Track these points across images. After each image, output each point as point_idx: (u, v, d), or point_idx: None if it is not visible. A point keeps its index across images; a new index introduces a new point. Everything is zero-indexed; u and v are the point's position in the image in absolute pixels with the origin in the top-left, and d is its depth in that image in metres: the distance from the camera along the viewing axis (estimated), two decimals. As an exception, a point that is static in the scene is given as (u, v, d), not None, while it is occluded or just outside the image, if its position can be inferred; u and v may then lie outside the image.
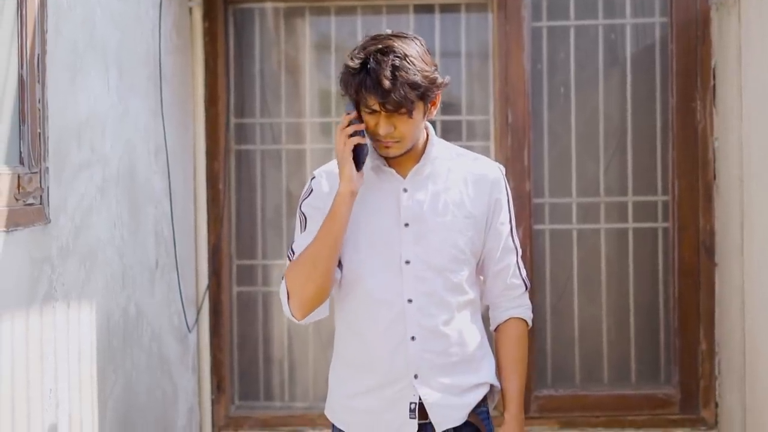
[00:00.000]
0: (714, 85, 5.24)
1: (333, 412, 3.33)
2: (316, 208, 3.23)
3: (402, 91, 3.00)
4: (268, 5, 5.61)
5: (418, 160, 3.21)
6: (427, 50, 3.14)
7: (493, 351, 3.37)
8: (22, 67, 3.36)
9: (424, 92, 3.05)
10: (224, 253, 5.51)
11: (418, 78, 3.02)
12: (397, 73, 3.01)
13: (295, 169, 5.62)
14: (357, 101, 3.09)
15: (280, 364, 5.65)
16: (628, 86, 5.47)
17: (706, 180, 5.27)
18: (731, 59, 4.89)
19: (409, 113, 3.04)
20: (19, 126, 3.35)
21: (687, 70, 5.31)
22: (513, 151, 5.32)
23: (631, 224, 5.47)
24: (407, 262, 3.15)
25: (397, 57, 3.03)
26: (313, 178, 3.30)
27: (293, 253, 3.21)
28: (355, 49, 3.11)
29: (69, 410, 3.65)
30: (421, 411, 3.17)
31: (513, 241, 3.32)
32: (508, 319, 3.34)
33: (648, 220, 5.46)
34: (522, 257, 3.36)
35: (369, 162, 3.20)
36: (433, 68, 3.10)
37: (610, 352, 5.48)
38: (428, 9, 5.57)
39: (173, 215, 4.96)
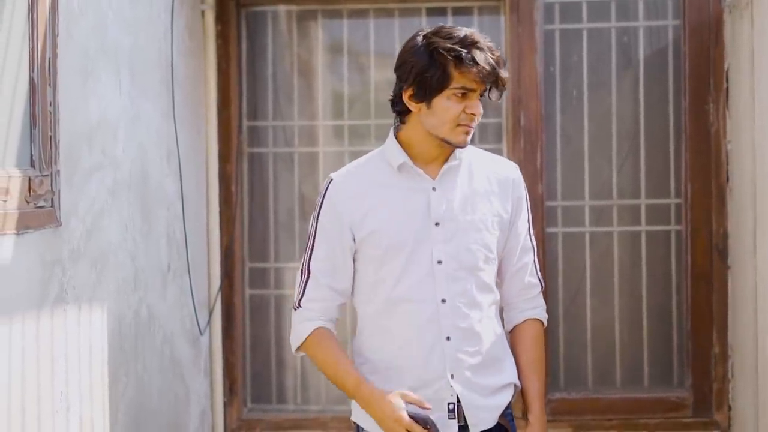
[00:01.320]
0: (727, 88, 5.23)
1: (366, 418, 3.18)
2: (325, 228, 3.19)
3: (504, 69, 3.07)
4: (281, 8, 5.61)
5: (445, 160, 3.17)
6: None
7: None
8: (33, 71, 3.36)
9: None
10: (237, 256, 5.52)
11: (503, 60, 3.09)
12: (502, 62, 3.08)
13: (307, 171, 5.63)
14: (443, 84, 3.04)
15: (293, 367, 5.65)
16: (640, 89, 5.46)
17: (719, 183, 5.26)
18: (744, 62, 4.88)
19: (500, 94, 3.10)
20: (30, 129, 3.35)
21: (700, 72, 5.30)
22: (525, 153, 5.32)
23: (643, 227, 5.46)
24: (439, 262, 3.12)
25: (485, 39, 3.08)
26: (330, 182, 3.23)
27: (308, 272, 3.19)
28: (424, 39, 3.08)
29: (80, 413, 3.66)
30: (456, 412, 3.14)
31: (531, 239, 3.31)
32: (525, 320, 3.31)
33: (661, 223, 5.45)
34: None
35: (395, 160, 3.17)
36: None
37: (623, 355, 5.47)
38: (441, 12, 5.58)
39: (185, 218, 4.96)
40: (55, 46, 3.47)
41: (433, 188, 3.16)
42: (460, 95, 3.05)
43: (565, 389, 5.44)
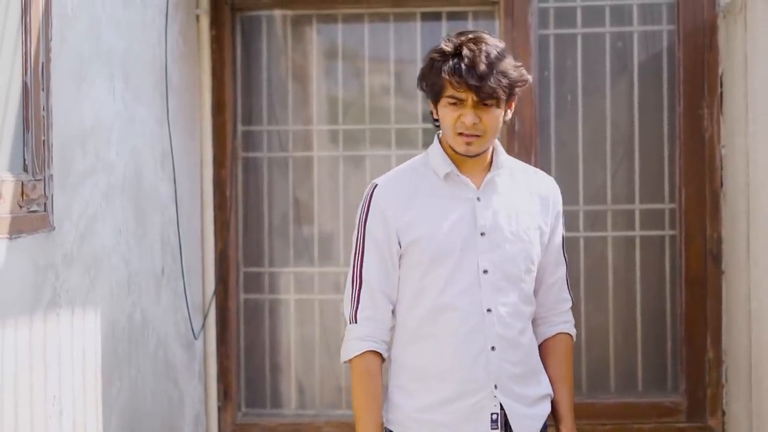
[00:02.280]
0: (721, 93, 5.23)
1: (404, 428, 3.19)
2: (373, 234, 3.20)
3: (497, 78, 3.02)
4: (276, 13, 5.62)
5: (487, 169, 3.19)
6: None
7: None
8: (26, 75, 3.37)
9: (513, 85, 3.07)
10: (231, 260, 5.52)
11: (510, 69, 3.06)
12: (491, 60, 3.03)
13: (302, 176, 5.63)
14: (439, 92, 3.09)
15: (287, 371, 5.65)
16: (635, 94, 5.47)
17: (713, 188, 5.26)
18: (738, 67, 4.89)
19: (498, 104, 3.06)
20: (23, 133, 3.36)
21: (694, 77, 5.30)
22: (520, 158, 5.21)
23: (638, 232, 5.46)
24: (485, 272, 3.12)
25: (490, 46, 3.06)
26: (375, 187, 3.25)
27: (360, 280, 3.19)
28: (441, 43, 3.13)
29: (73, 417, 3.66)
30: (498, 423, 3.14)
31: (564, 254, 3.35)
32: (556, 334, 3.33)
33: (655, 228, 5.45)
34: None
35: (441, 169, 3.18)
36: (520, 64, 3.13)
37: (617, 360, 5.47)
38: (435, 16, 5.58)
39: (179, 222, 4.96)
40: (48, 50, 3.47)
41: (478, 198, 3.16)
42: (453, 104, 3.07)
43: (560, 394, 5.43)
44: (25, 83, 3.36)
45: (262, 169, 5.64)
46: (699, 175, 5.29)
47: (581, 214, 5.45)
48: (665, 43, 5.46)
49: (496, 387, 3.12)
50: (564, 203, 5.34)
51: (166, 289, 4.80)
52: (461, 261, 3.13)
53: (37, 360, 3.38)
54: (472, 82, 3.00)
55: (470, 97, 3.03)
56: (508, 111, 3.15)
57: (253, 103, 5.63)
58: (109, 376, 4.03)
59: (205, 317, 5.41)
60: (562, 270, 3.33)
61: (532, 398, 3.19)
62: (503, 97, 3.05)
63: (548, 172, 5.34)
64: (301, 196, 5.62)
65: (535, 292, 3.28)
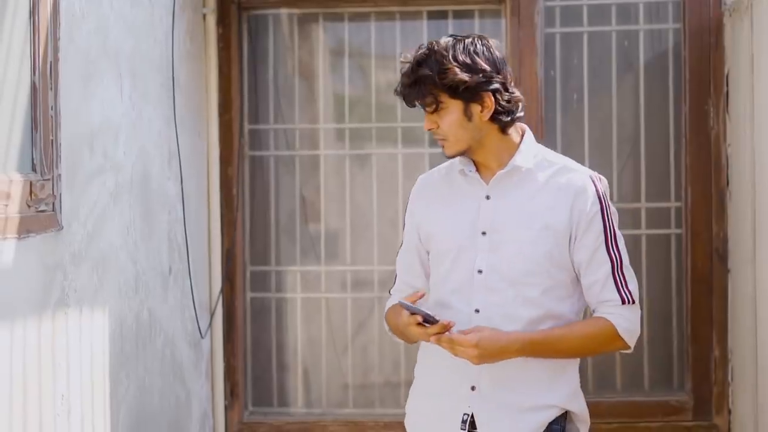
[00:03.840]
0: (727, 91, 5.23)
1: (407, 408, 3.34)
2: (406, 226, 3.35)
3: (417, 86, 3.03)
4: (283, 11, 5.62)
5: (503, 167, 3.14)
6: (492, 56, 3.08)
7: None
8: (34, 74, 3.37)
9: (442, 87, 3.01)
10: (238, 259, 5.52)
11: (431, 72, 3.01)
12: (416, 68, 3.03)
13: (309, 175, 5.63)
14: None
15: (294, 370, 5.66)
16: (641, 92, 5.47)
17: (719, 186, 5.26)
18: (744, 65, 4.89)
19: (435, 108, 3.05)
20: (32, 133, 3.36)
21: (700, 76, 5.30)
22: (526, 157, 5.31)
23: (644, 230, 5.46)
24: (480, 272, 3.09)
25: (424, 54, 3.05)
26: (416, 183, 3.37)
27: (396, 271, 3.38)
28: None
29: (81, 416, 3.67)
30: (474, 425, 3.10)
31: (609, 252, 3.09)
32: (593, 315, 3.15)
33: (661, 227, 5.46)
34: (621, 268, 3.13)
35: (458, 165, 3.19)
36: (468, 69, 3.03)
37: (623, 359, 5.46)
38: (442, 15, 5.58)
39: (186, 221, 4.97)
40: (56, 49, 3.48)
41: (487, 196, 3.14)
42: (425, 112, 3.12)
43: (566, 392, 5.43)
44: (34, 83, 3.37)
45: (268, 167, 5.65)
46: (705, 173, 5.29)
47: (587, 213, 5.44)
48: (671, 42, 5.46)
49: (473, 389, 3.09)
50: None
51: (173, 288, 4.81)
52: (458, 260, 3.13)
53: (46, 359, 3.39)
54: (401, 94, 3.09)
55: (421, 105, 3.09)
56: (484, 110, 3.06)
57: (260, 101, 5.64)
58: (116, 375, 4.04)
59: (211, 316, 5.41)
60: (602, 271, 3.09)
61: (520, 406, 3.08)
62: (442, 100, 3.03)
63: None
64: (307, 195, 5.63)
65: (585, 294, 3.15)
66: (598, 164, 5.46)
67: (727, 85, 5.23)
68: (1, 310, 3.11)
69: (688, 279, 5.33)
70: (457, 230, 3.15)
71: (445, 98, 3.03)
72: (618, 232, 3.14)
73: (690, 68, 5.31)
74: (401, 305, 3.01)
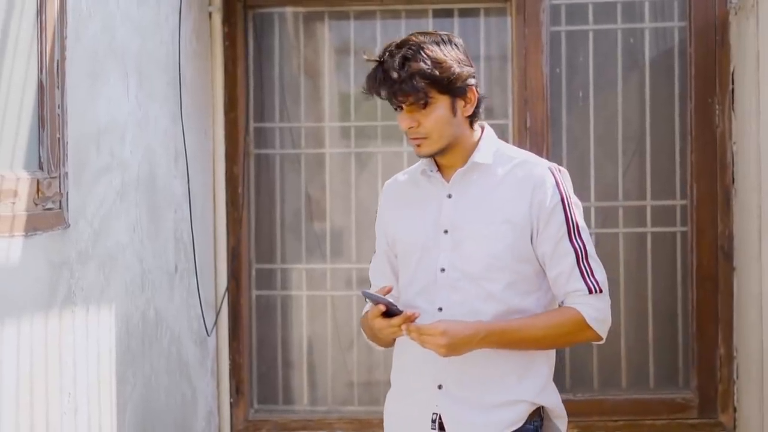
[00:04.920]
0: (733, 89, 5.23)
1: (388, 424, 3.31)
2: (377, 227, 3.35)
3: (410, 81, 2.96)
4: (288, 10, 5.63)
5: (463, 165, 3.13)
6: (464, 50, 3.09)
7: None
8: (41, 73, 3.38)
9: (437, 81, 2.98)
10: (243, 257, 5.53)
11: (427, 66, 2.97)
12: (406, 63, 2.97)
13: (314, 173, 5.64)
14: (388, 101, 3.06)
15: (299, 368, 5.67)
16: (646, 90, 5.47)
17: (725, 184, 5.26)
18: (750, 63, 4.89)
19: (424, 104, 2.99)
20: (39, 131, 3.37)
21: (706, 73, 5.30)
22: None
23: (649, 228, 5.46)
24: (442, 270, 3.09)
25: (411, 49, 2.99)
26: (384, 186, 3.36)
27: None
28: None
29: (88, 414, 3.67)
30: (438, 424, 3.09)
31: (573, 242, 3.07)
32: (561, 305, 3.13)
33: (666, 224, 5.46)
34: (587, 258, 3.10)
35: (419, 166, 3.20)
36: (458, 63, 3.03)
37: (629, 357, 5.47)
38: (447, 13, 5.58)
39: (192, 219, 4.97)
40: (63, 48, 3.48)
41: (449, 195, 3.13)
42: (396, 110, 3.07)
43: (571, 391, 5.44)
44: (41, 81, 3.38)
45: (274, 165, 5.65)
46: (710, 171, 5.30)
47: (593, 211, 5.45)
48: (677, 40, 5.46)
49: (440, 387, 3.09)
50: (575, 199, 5.38)
51: (179, 286, 4.82)
52: (422, 260, 3.13)
53: (52, 357, 3.40)
54: (385, 90, 2.99)
55: (397, 104, 3.03)
56: (467, 106, 3.07)
57: (266, 100, 5.64)
58: (122, 373, 4.05)
59: (217, 314, 5.42)
60: (567, 262, 3.06)
61: (489, 404, 3.07)
62: (425, 97, 2.99)
63: (560, 168, 5.36)
64: (313, 193, 5.64)
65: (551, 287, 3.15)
66: (604, 162, 5.46)
67: (733, 83, 5.23)
68: (8, 308, 3.12)
69: (694, 277, 5.33)
70: (421, 231, 3.14)
71: (434, 93, 3.00)
72: (581, 223, 3.12)
73: (695, 66, 5.31)
74: (364, 295, 2.97)
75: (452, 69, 3.01)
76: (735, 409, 5.26)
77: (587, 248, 3.11)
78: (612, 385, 5.49)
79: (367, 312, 3.25)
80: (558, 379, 5.35)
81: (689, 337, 5.39)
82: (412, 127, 3.03)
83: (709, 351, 5.31)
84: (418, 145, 3.07)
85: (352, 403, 5.63)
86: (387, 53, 3.02)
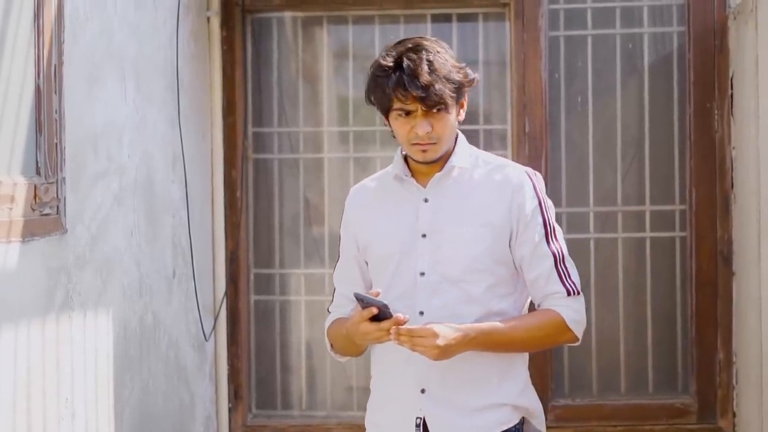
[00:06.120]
0: (731, 94, 5.23)
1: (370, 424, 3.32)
2: (342, 238, 3.32)
3: (440, 86, 2.96)
4: (286, 14, 5.62)
5: (440, 169, 3.13)
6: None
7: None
8: (38, 77, 3.38)
9: (459, 87, 3.02)
10: (242, 262, 5.52)
11: (453, 73, 3.00)
12: (433, 68, 2.97)
13: (313, 178, 5.63)
14: (388, 106, 3.03)
15: (298, 372, 5.66)
16: (645, 95, 5.46)
17: (724, 189, 5.26)
18: (749, 68, 4.88)
19: (447, 109, 3.00)
20: (36, 136, 3.37)
21: (704, 78, 5.30)
22: (530, 159, 5.30)
23: (648, 233, 5.45)
24: (422, 274, 3.09)
25: (430, 53, 3.00)
26: (349, 193, 3.34)
27: (334, 279, 3.35)
28: (380, 55, 3.09)
29: (85, 419, 3.67)
30: (427, 428, 3.09)
31: (549, 246, 3.10)
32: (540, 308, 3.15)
33: (665, 230, 5.45)
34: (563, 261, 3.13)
35: (393, 171, 3.19)
36: (463, 65, 3.08)
37: (628, 362, 5.46)
38: (446, 18, 5.58)
39: (190, 224, 4.97)
40: (60, 53, 3.48)
41: (425, 199, 3.13)
42: (404, 115, 3.03)
43: (570, 396, 5.43)
44: (38, 86, 3.37)
45: (272, 170, 5.65)
46: (709, 176, 5.29)
47: (591, 216, 5.45)
48: (675, 45, 5.45)
49: (423, 392, 3.09)
50: (574, 204, 5.39)
51: (177, 291, 4.81)
52: (400, 265, 3.12)
53: (50, 362, 3.39)
54: (417, 93, 2.96)
55: (419, 108, 3.00)
56: (461, 111, 3.11)
57: (264, 104, 5.64)
58: (120, 378, 4.04)
59: (215, 319, 5.41)
60: (546, 264, 3.09)
61: (470, 407, 3.07)
62: (451, 102, 3.01)
63: (558, 173, 5.37)
64: (311, 198, 5.63)
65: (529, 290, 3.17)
66: (603, 167, 5.46)
67: (732, 88, 5.23)
68: (6, 313, 3.11)
69: (693, 282, 5.32)
70: (397, 235, 3.13)
71: (450, 101, 3.02)
72: (556, 226, 3.16)
73: (694, 71, 5.31)
74: (356, 296, 2.95)
75: (469, 74, 3.07)
76: (734, 414, 5.26)
77: (563, 251, 3.16)
78: (611, 390, 5.48)
79: (332, 323, 3.31)
80: (557, 384, 5.40)
81: (688, 342, 5.39)
82: (428, 132, 3.02)
83: (709, 356, 5.30)
84: (425, 151, 3.06)
85: (351, 408, 5.62)
86: (405, 57, 3.00)
